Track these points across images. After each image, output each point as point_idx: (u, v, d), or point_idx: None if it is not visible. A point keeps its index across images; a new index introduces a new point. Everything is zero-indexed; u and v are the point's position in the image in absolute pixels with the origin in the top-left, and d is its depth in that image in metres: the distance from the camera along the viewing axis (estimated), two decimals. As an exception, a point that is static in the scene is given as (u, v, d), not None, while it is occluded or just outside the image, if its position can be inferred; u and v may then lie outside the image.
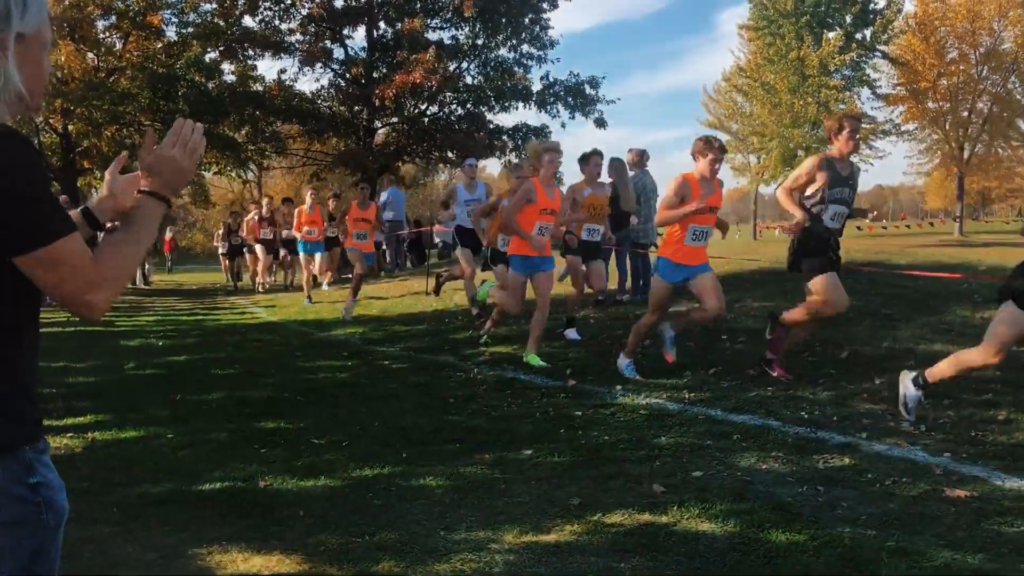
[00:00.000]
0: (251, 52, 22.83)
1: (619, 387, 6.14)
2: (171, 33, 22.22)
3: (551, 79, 24.37)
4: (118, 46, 22.31)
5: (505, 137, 24.05)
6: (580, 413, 5.52)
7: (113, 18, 20.65)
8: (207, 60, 22.14)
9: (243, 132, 23.64)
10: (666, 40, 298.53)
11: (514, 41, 24.30)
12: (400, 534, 3.67)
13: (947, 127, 38.74)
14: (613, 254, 10.28)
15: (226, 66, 23.21)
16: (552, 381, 6.51)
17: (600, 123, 23.70)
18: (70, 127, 20.86)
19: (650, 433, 5.01)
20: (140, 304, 16.05)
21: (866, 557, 3.25)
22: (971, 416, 5.10)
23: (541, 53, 24.58)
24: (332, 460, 4.78)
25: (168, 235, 28.98)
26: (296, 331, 10.49)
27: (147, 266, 23.76)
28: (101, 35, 21.43)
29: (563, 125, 23.25)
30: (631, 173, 9.97)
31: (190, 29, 21.81)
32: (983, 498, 3.84)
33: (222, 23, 21.69)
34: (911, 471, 4.22)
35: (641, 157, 10.30)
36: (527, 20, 23.97)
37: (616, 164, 9.75)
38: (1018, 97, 37.35)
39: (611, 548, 3.44)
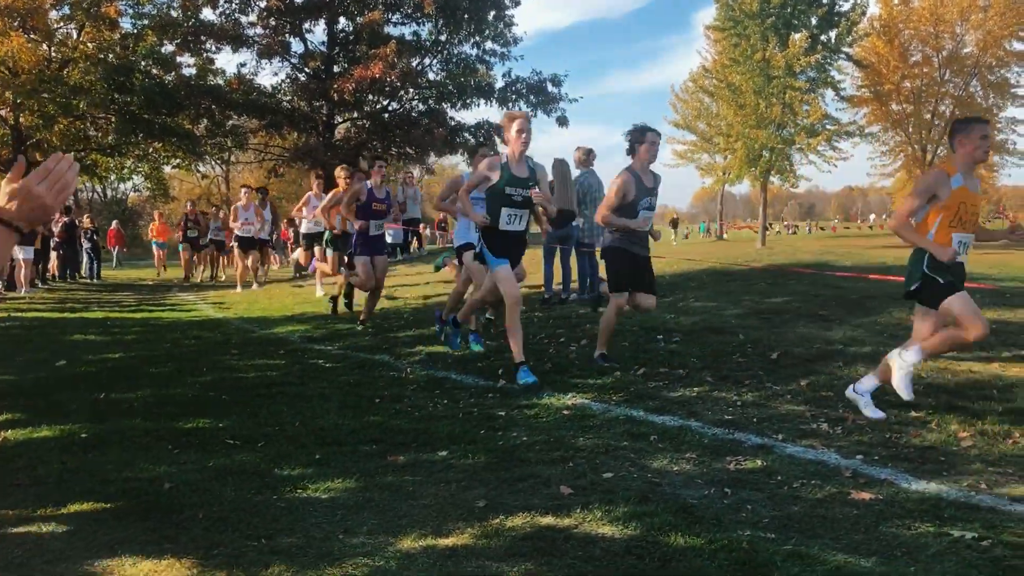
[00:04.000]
0: (209, 45, 22.53)
1: (547, 387, 6.10)
2: (126, 24, 21.86)
3: (513, 76, 24.37)
4: (74, 36, 21.93)
5: (467, 134, 24.00)
6: (503, 414, 5.47)
7: (67, 8, 20.28)
8: (163, 53, 21.81)
9: (201, 126, 23.38)
10: (644, 39, 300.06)
11: (477, 38, 24.25)
12: (297, 537, 3.59)
13: (910, 129, 39.19)
14: (558, 253, 10.25)
15: (185, 59, 22.93)
16: (483, 381, 6.46)
17: (562, 121, 23.70)
18: (21, 119, 20.47)
19: (569, 434, 4.97)
20: (88, 300, 15.79)
21: (760, 560, 3.23)
22: (889, 418, 5.11)
23: (504, 50, 24.57)
24: (243, 461, 4.69)
25: (112, 227, 28.10)
26: (237, 328, 10.36)
27: (96, 263, 23.43)
28: (54, 26, 21.03)
29: (525, 122, 23.30)
30: (576, 172, 9.95)
31: (145, 21, 21.45)
32: (887, 501, 3.83)
33: (178, 15, 21.37)
34: (821, 473, 4.22)
35: (587, 156, 10.27)
36: (490, 16, 23.91)
37: (558, 164, 9.72)
38: (979, 100, 37.80)
39: (507, 552, 3.39)
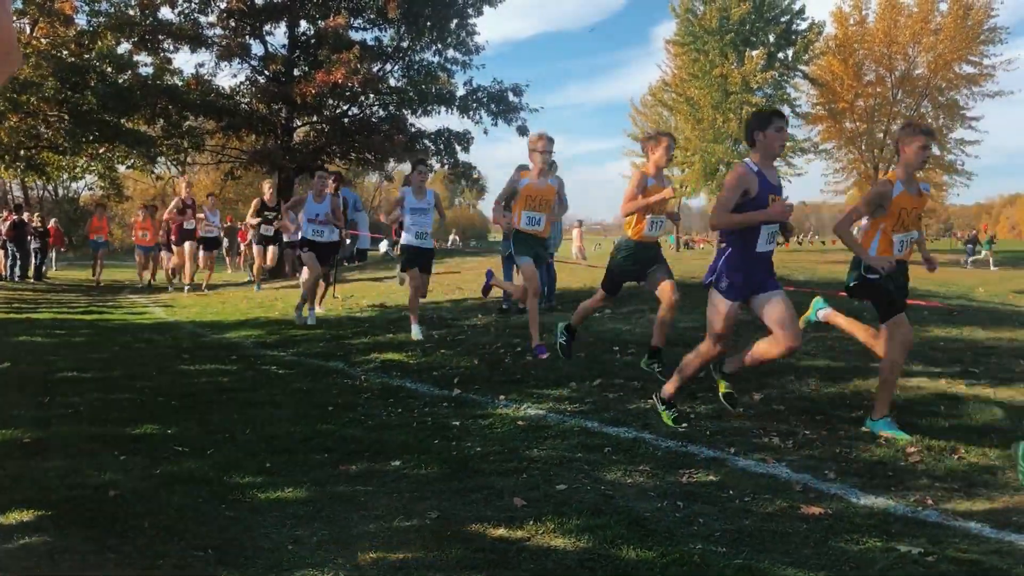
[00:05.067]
0: (168, 44, 22.18)
1: (502, 397, 6.08)
2: (82, 21, 21.43)
3: (474, 85, 24.33)
4: (27, 32, 21.45)
5: (427, 141, 23.91)
6: (458, 423, 5.44)
7: (19, 2, 19.82)
8: (119, 52, 21.40)
9: (158, 127, 22.99)
10: (603, 52, 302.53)
11: (439, 45, 24.19)
12: (246, 547, 3.52)
13: (863, 147, 39.95)
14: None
15: (142, 58, 22.53)
16: (438, 390, 6.42)
17: (523, 131, 23.73)
18: (-31, 115, 19.99)
19: (523, 445, 4.95)
20: (36, 300, 15.44)
21: (711, 574, 3.24)
22: (840, 433, 5.17)
23: (466, 58, 24.53)
24: (191, 468, 4.60)
25: (51, 224, 27.06)
26: (189, 332, 10.18)
27: (42, 262, 22.93)
28: (5, 20, 20.49)
29: (485, 131, 23.34)
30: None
31: (102, 19, 21.04)
32: (836, 515, 3.87)
33: (135, 13, 20.99)
34: (772, 487, 4.25)
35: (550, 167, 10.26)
36: (453, 25, 23.87)
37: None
38: (930, 120, 38.65)
39: (459, 563, 3.36)
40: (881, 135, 39.36)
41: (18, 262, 20.90)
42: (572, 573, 3.27)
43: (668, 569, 3.28)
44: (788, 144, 35.60)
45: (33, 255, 21.96)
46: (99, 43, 20.69)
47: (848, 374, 6.53)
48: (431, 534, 3.65)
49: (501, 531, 3.67)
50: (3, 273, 21.00)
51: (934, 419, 5.44)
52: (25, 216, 22.05)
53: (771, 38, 35.59)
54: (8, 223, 20.54)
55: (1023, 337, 7.96)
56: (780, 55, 35.82)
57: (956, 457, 4.74)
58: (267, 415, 5.73)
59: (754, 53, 35.05)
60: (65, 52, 20.85)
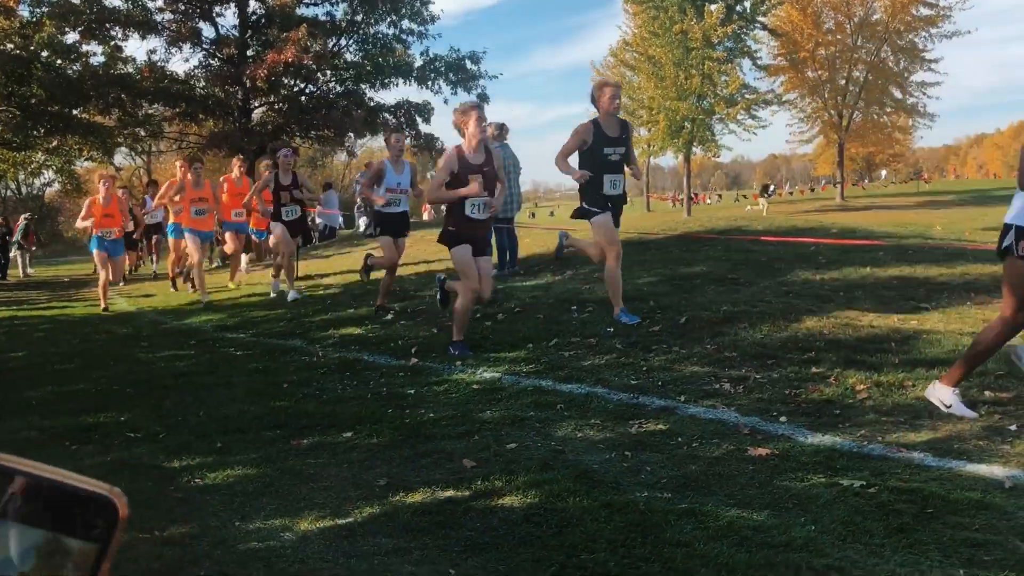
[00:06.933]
0: (116, 32, 21.74)
1: (459, 363, 6.08)
2: (24, 12, 20.92)
3: (431, 55, 24.09)
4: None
5: (387, 114, 23.68)
6: (413, 391, 5.44)
7: (-44, -1, 19.36)
8: (65, 42, 20.94)
9: (113, 117, 22.60)
10: (566, 15, 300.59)
11: (394, 17, 23.88)
12: (191, 527, 3.51)
13: (826, 95, 39.98)
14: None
15: (93, 47, 22.07)
16: (395, 360, 6.41)
17: (482, 98, 23.55)
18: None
19: (476, 408, 4.96)
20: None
21: (655, 521, 3.26)
22: (790, 375, 5.21)
23: (422, 28, 24.25)
24: (142, 454, 4.58)
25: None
26: (149, 321, 10.09)
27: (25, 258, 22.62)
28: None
29: (445, 101, 23.09)
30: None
31: (44, 8, 20.56)
32: (782, 455, 3.91)
33: (79, 1, 20.52)
34: (720, 432, 4.28)
35: (500, 130, 10.22)
36: (406, -5, 23.60)
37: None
38: (891, 65, 38.74)
39: (405, 528, 3.37)
40: (843, 82, 39.41)
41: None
42: (518, 528, 3.29)
43: (612, 518, 3.30)
44: (751, 96, 35.66)
45: None
46: (40, 34, 20.18)
47: (799, 318, 6.56)
48: (379, 501, 3.66)
49: (449, 492, 3.68)
50: None
51: (884, 355, 5.49)
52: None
53: (729, -9, 35.40)
54: None
55: (975, 272, 8.04)
56: (738, 8, 35.62)
57: (903, 392, 4.78)
58: (220, 396, 5.70)
59: (713, 8, 34.85)
60: (9, 45, 20.37)
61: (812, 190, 66.75)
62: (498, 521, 3.36)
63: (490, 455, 4.12)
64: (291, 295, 10.13)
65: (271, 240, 11.22)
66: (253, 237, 14.04)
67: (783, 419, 4.44)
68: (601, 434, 4.35)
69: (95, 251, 11.31)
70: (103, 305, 11.38)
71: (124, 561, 3.23)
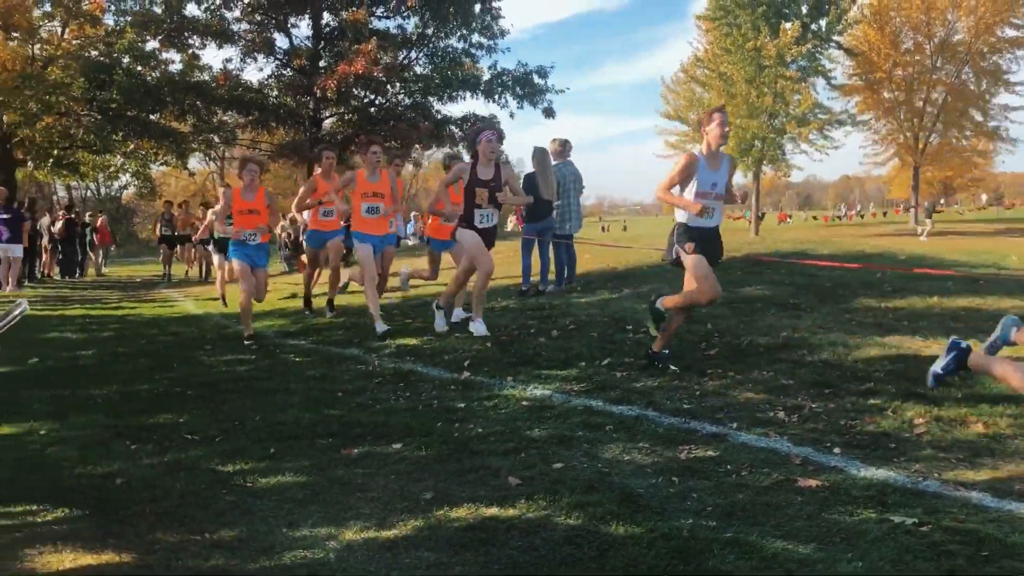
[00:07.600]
0: (194, 41, 22.47)
1: (510, 378, 6.09)
2: (110, 21, 21.79)
3: (499, 69, 24.32)
4: (61, 34, 21.87)
5: (453, 127, 23.97)
6: (463, 405, 5.47)
7: (47, 6, 20.21)
8: (146, 49, 21.73)
9: (188, 122, 23.32)
10: (639, 29, 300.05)
11: (464, 31, 24.18)
12: (240, 531, 3.60)
13: (902, 117, 39.13)
14: (536, 244, 10.24)
15: (171, 55, 22.84)
16: (448, 373, 6.45)
17: (548, 113, 23.68)
18: (4, 117, 20.42)
19: (525, 425, 4.96)
20: (69, 297, 15.77)
21: (698, 549, 3.23)
22: (847, 405, 5.10)
23: (491, 43, 24.51)
24: (198, 456, 4.70)
25: (100, 221, 26.98)
26: (215, 324, 10.34)
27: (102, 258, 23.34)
28: (38, 23, 20.95)
29: (511, 115, 23.22)
30: (553, 163, 9.94)
31: (128, 17, 21.36)
32: (833, 487, 3.83)
33: (160, 11, 21.27)
34: (770, 461, 4.21)
35: (563, 147, 10.25)
36: (477, 9, 23.86)
37: (538, 154, 9.75)
38: (972, 87, 37.76)
39: (448, 543, 3.39)
40: (920, 103, 38.54)
41: (76, 259, 21.28)
42: (560, 550, 3.28)
43: (655, 544, 3.27)
44: (824, 116, 35.07)
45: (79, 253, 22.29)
46: (121, 40, 20.96)
47: (860, 347, 6.42)
48: (423, 514, 3.69)
49: (493, 510, 3.69)
50: (50, 273, 21.26)
51: (946, 390, 5.33)
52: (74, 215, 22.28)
53: (804, 9, 34.92)
54: (61, 223, 20.75)
55: (1050, 304, 7.77)
56: (813, 26, 35.13)
57: (964, 428, 4.65)
58: (278, 402, 5.82)
59: (787, 25, 34.45)
60: (94, 52, 21.20)
61: (884, 214, 65.30)
62: (540, 541, 3.36)
63: (536, 473, 4.12)
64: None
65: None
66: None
67: (836, 450, 4.34)
68: (649, 458, 4.31)
69: (233, 261, 8.56)
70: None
71: (173, 562, 3.32)
